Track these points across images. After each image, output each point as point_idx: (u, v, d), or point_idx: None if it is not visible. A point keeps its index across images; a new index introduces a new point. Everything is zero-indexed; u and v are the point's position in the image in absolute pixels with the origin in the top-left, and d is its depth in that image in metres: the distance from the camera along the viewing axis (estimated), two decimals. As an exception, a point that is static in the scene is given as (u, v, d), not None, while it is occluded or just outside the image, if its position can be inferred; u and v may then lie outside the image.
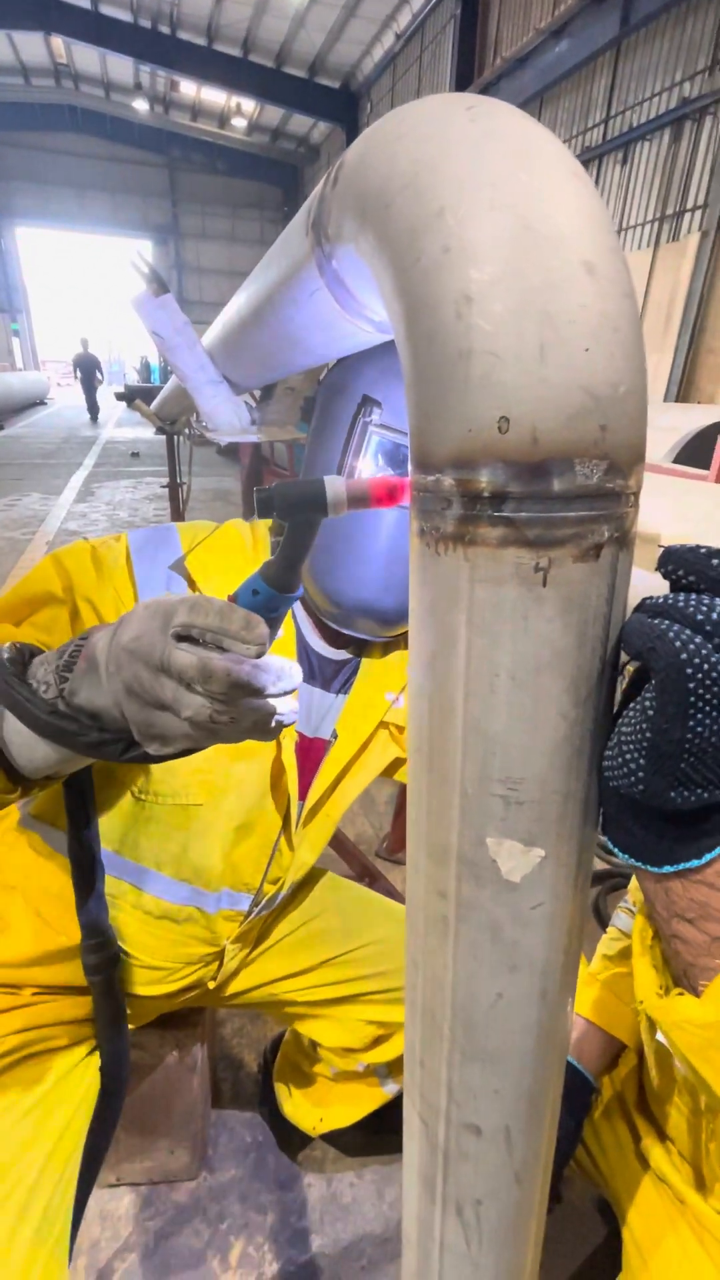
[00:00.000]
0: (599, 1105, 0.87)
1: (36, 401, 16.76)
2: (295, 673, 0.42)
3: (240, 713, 0.41)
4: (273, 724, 0.43)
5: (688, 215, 6.61)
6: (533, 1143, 0.43)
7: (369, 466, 0.67)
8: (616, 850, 0.35)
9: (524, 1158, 0.43)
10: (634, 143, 7.14)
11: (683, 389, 6.66)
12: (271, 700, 0.42)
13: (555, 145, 0.29)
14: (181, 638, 0.40)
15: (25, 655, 0.51)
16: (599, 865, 1.81)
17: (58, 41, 14.39)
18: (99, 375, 14.87)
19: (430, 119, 0.31)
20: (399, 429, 0.66)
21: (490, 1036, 0.39)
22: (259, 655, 0.40)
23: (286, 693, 0.42)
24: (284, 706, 0.43)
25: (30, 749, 0.51)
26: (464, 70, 9.61)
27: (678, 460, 3.44)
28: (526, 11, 8.41)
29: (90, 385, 14.73)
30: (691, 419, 3.77)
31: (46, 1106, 0.71)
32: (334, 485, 0.41)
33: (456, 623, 0.31)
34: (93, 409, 14.77)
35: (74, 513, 5.83)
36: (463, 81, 9.59)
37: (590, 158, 7.71)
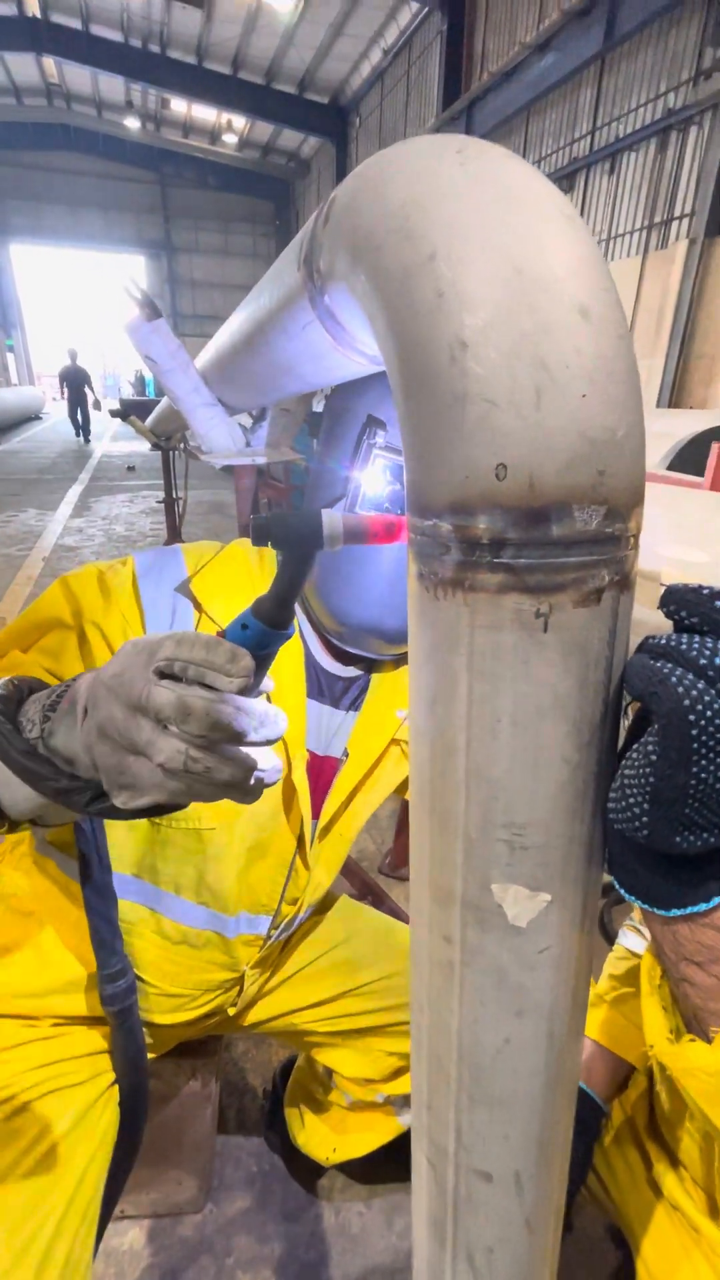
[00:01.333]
0: (609, 1130, 0.85)
1: (32, 416, 16.66)
2: (281, 722, 0.40)
3: (217, 761, 0.38)
4: (252, 781, 0.40)
5: (675, 223, 6.69)
6: (544, 1188, 0.42)
7: (374, 487, 0.67)
8: (623, 892, 0.34)
9: (535, 1203, 0.42)
10: (621, 153, 7.23)
11: (674, 394, 6.71)
12: (253, 753, 0.40)
13: (546, 187, 0.29)
14: (165, 674, 0.39)
15: (23, 692, 0.50)
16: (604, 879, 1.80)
17: (49, 61, 14.53)
18: (89, 391, 13.04)
19: (420, 161, 0.31)
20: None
21: (497, 1081, 0.38)
22: (243, 689, 0.39)
23: (269, 742, 0.40)
24: (265, 762, 0.41)
25: (11, 790, 0.49)
26: (451, 85, 9.72)
27: (671, 467, 3.45)
28: (512, 27, 8.53)
29: (79, 402, 12.93)
30: (684, 424, 3.79)
31: (66, 1148, 0.69)
32: (331, 520, 0.41)
33: (457, 666, 0.30)
34: (83, 428, 13.06)
35: (70, 528, 5.84)
36: (450, 96, 9.71)
37: (578, 168, 7.80)
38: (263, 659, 0.41)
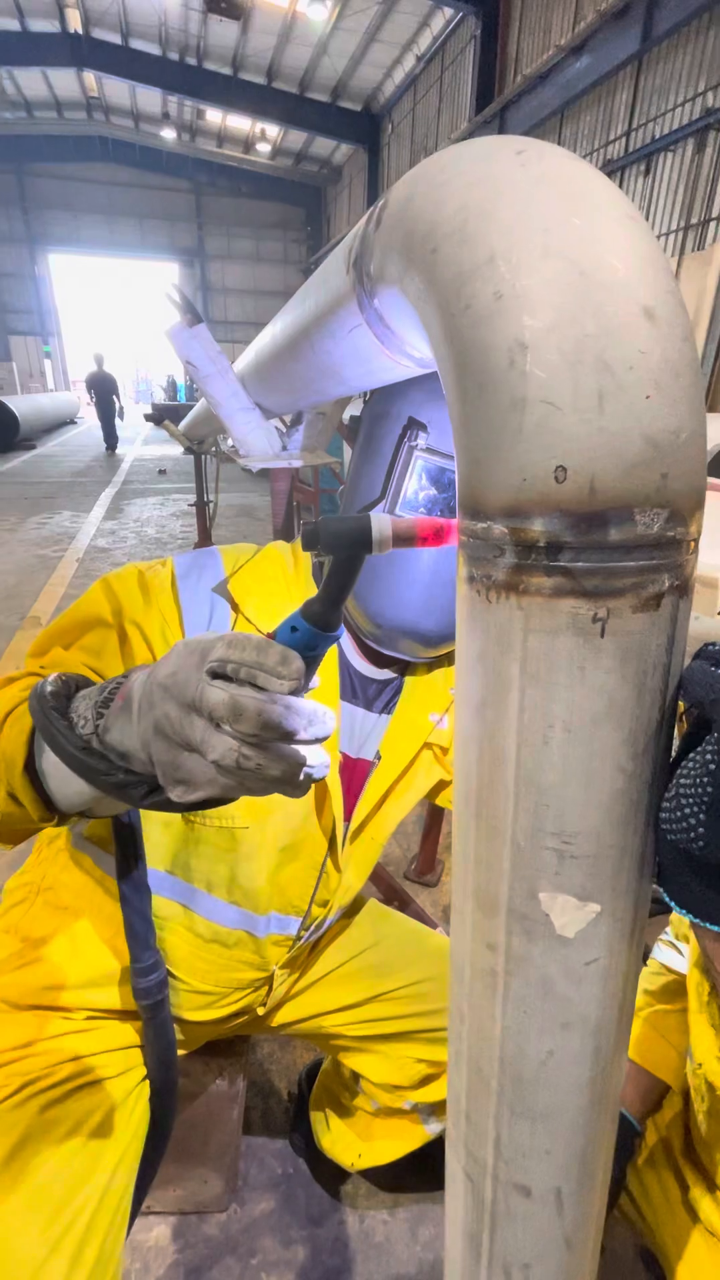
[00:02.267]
0: (643, 1150, 0.83)
1: (67, 421, 17.06)
2: (329, 719, 0.41)
3: (268, 759, 0.39)
4: (301, 776, 0.41)
5: (713, 224, 6.56)
6: (584, 1205, 0.41)
7: (413, 490, 0.67)
8: (674, 905, 0.34)
9: (575, 1221, 0.41)
10: (657, 154, 7.12)
11: (710, 397, 6.57)
12: (302, 749, 0.41)
13: (608, 188, 0.29)
14: (217, 675, 0.40)
15: (71, 688, 0.52)
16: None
17: (90, 76, 14.93)
18: (117, 399, 12.11)
19: (478, 163, 0.31)
20: (445, 453, 0.66)
21: (541, 1094, 0.38)
22: (293, 690, 0.40)
23: (318, 740, 0.41)
24: (314, 758, 0.42)
25: (65, 783, 0.51)
26: (484, 89, 9.71)
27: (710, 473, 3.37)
28: (546, 29, 8.48)
29: (108, 410, 11.91)
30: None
31: (100, 1141, 0.70)
32: (380, 523, 0.41)
33: (509, 672, 0.30)
34: (110, 437, 12.07)
35: (103, 530, 5.95)
36: (483, 100, 9.69)
37: (612, 170, 7.70)
38: (311, 660, 0.41)
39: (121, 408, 12.46)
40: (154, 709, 0.42)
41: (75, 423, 17.56)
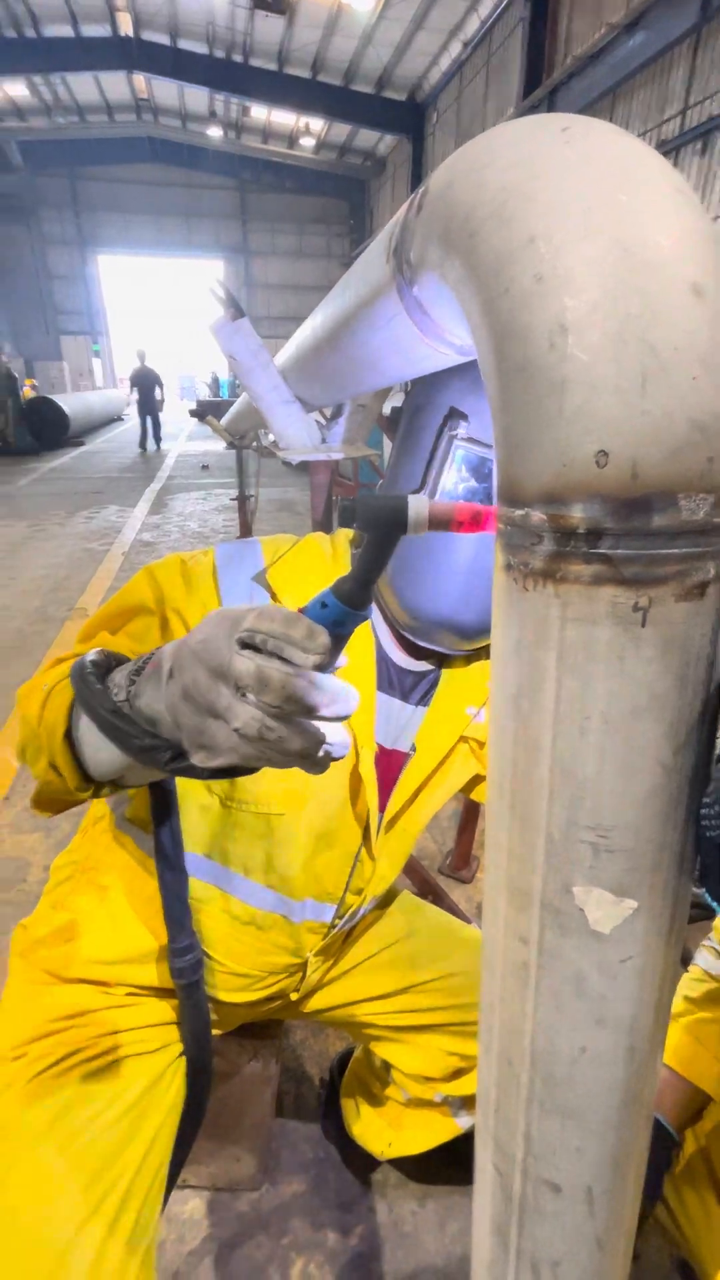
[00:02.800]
0: (680, 1161, 0.81)
1: (114, 418, 17.52)
2: (352, 698, 0.41)
3: (289, 731, 0.40)
4: (320, 753, 0.42)
5: (774, 204, 6.26)
6: (616, 1206, 0.41)
7: (452, 480, 0.66)
8: (715, 905, 0.33)
9: (607, 1221, 0.41)
10: (714, 131, 6.83)
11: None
12: (323, 726, 0.42)
13: (657, 162, 0.28)
14: (246, 645, 0.41)
15: (111, 661, 0.54)
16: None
17: (139, 78, 15.19)
18: (159, 394, 11.82)
19: (520, 142, 0.31)
20: (486, 443, 0.65)
21: (572, 1091, 0.37)
22: (318, 665, 0.40)
23: (340, 718, 0.41)
24: (334, 736, 0.42)
25: (96, 749, 0.53)
26: (533, 72, 9.47)
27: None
28: (598, 7, 8.21)
29: (150, 406, 11.55)
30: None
31: (140, 1109, 0.72)
32: (417, 504, 0.41)
33: (545, 662, 0.30)
34: (153, 434, 11.68)
35: (148, 524, 6.09)
36: (531, 84, 9.46)
37: (667, 150, 7.41)
38: (338, 637, 0.41)
39: (162, 399, 12.10)
40: (184, 673, 0.43)
41: (122, 419, 17.98)
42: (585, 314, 0.26)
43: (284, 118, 17.20)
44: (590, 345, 0.26)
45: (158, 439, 11.94)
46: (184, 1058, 0.79)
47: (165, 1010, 0.80)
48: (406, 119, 15.01)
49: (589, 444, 0.26)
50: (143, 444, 11.61)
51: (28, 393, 7.62)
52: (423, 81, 14.26)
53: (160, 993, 0.80)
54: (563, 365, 0.26)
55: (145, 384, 11.65)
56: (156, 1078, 0.75)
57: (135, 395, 11.87)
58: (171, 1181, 0.75)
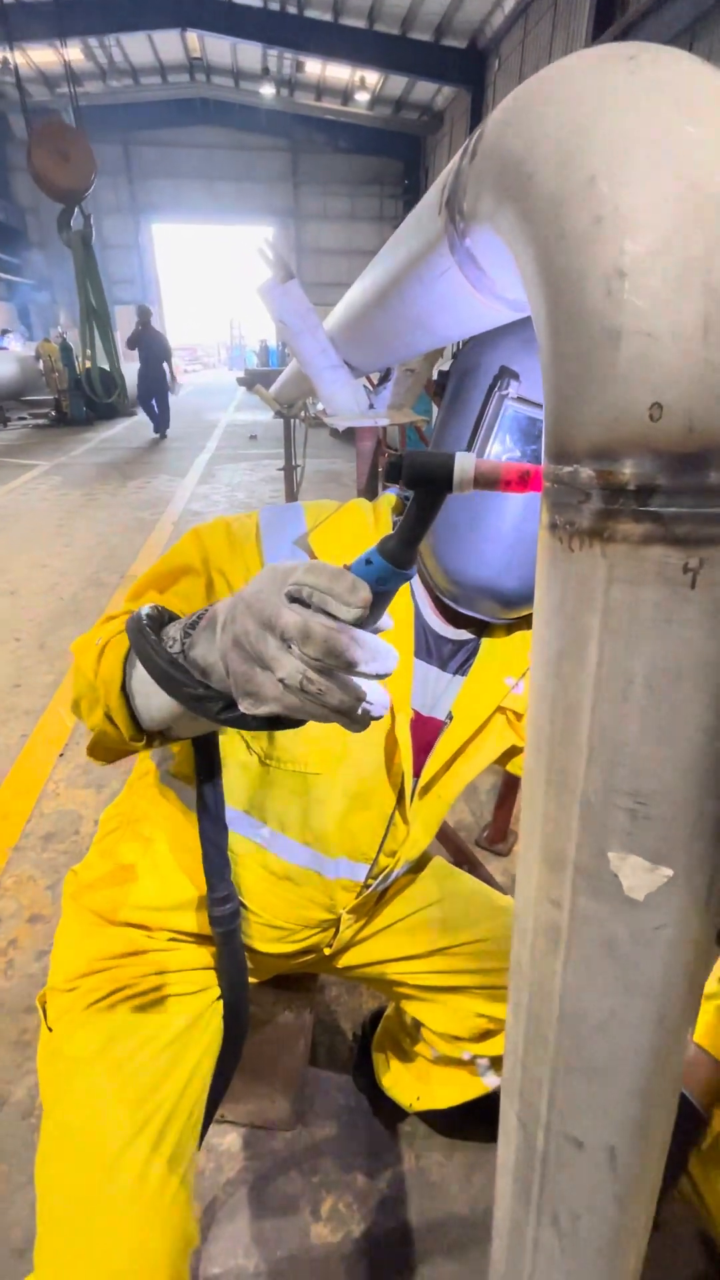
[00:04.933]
0: (708, 1137, 0.81)
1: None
2: (391, 657, 0.42)
3: (330, 685, 0.41)
4: (359, 710, 0.42)
5: None
6: (639, 1168, 0.41)
7: (501, 443, 0.65)
8: (757, 878, 0.32)
9: (628, 1181, 0.41)
10: None
11: None
12: (363, 684, 0.43)
13: (732, 89, 0.26)
14: (294, 599, 0.42)
15: (165, 616, 0.56)
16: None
17: (192, 36, 14.90)
18: (168, 369, 9.12)
19: (583, 75, 0.29)
20: (538, 402, 0.64)
21: (599, 1054, 0.38)
22: (358, 620, 0.41)
23: (379, 675, 0.42)
24: (374, 695, 0.43)
25: (148, 698, 0.56)
26: (604, 11, 8.84)
27: None
28: (681, -67, 7.56)
29: (154, 384, 8.94)
30: None
31: (182, 1044, 0.77)
32: (464, 461, 0.40)
33: (588, 624, 0.29)
34: (158, 418, 9.22)
35: (197, 494, 6.18)
36: (602, 24, 8.84)
37: (750, 92, 6.83)
38: (381, 595, 0.42)
39: (173, 376, 9.49)
40: (235, 623, 0.44)
41: (173, 390, 18.09)
42: (644, 257, 0.25)
43: (338, 72, 16.64)
44: (649, 290, 0.24)
45: (165, 424, 9.37)
46: (222, 1001, 0.83)
47: (204, 956, 0.84)
48: (466, 68, 14.30)
49: (643, 396, 0.25)
50: (156, 428, 9.35)
51: (85, 365, 7.63)
52: (484, 26, 13.50)
53: (200, 939, 0.84)
54: (619, 313, 0.25)
55: (149, 354, 8.85)
56: (196, 1017, 0.80)
57: (138, 367, 9.03)
58: (209, 1115, 0.80)
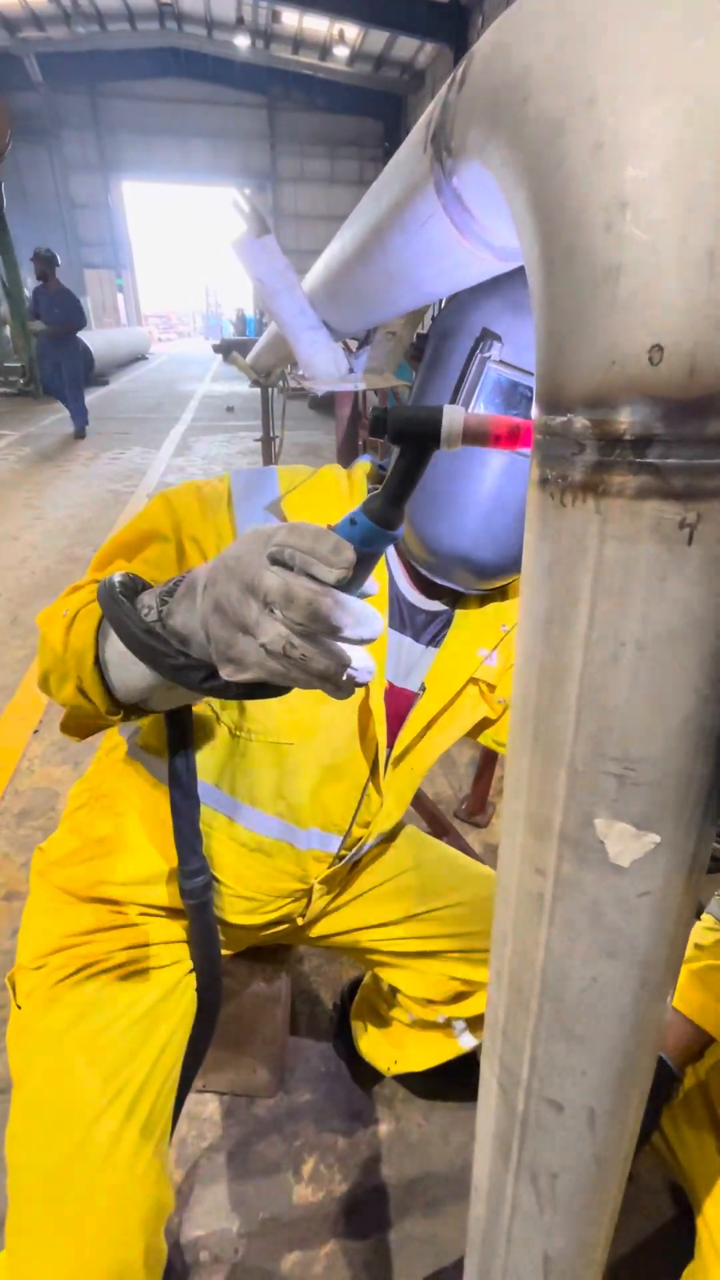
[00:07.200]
0: (679, 1094, 0.84)
1: (139, 356, 16.99)
2: (376, 622, 0.41)
3: (314, 650, 0.40)
4: (344, 677, 0.41)
5: None
6: (616, 1128, 0.42)
7: (483, 406, 0.63)
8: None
9: (606, 1140, 0.42)
10: None
11: None
12: (347, 650, 0.41)
13: (743, 3, 0.24)
14: (277, 561, 0.40)
15: (138, 584, 0.54)
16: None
17: (162, -21, 14.17)
18: (82, 345, 6.94)
19: (583, -11, 0.27)
20: (520, 366, 0.62)
21: (580, 1018, 0.38)
22: (341, 581, 0.39)
23: (364, 640, 0.41)
24: (359, 660, 0.42)
25: (124, 670, 0.53)
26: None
27: None
28: None
29: (63, 356, 6.56)
30: None
31: (154, 1017, 0.77)
32: (453, 415, 0.38)
33: (580, 583, 0.28)
34: (73, 406, 6.77)
35: (172, 466, 6.04)
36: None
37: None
38: (366, 557, 0.40)
39: (90, 361, 7.17)
40: (216, 586, 0.43)
41: (147, 358, 17.55)
42: (648, 185, 0.23)
43: (316, 24, 15.99)
44: (652, 221, 0.23)
45: (83, 421, 6.92)
46: (194, 974, 0.83)
47: (176, 930, 0.84)
48: (449, 23, 13.83)
49: (642, 337, 0.23)
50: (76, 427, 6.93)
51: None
52: (469, -21, 13.05)
53: (172, 913, 0.83)
54: (619, 247, 0.23)
55: (58, 317, 6.39)
56: (169, 990, 0.80)
57: (40, 341, 6.63)
58: (185, 1086, 0.80)
